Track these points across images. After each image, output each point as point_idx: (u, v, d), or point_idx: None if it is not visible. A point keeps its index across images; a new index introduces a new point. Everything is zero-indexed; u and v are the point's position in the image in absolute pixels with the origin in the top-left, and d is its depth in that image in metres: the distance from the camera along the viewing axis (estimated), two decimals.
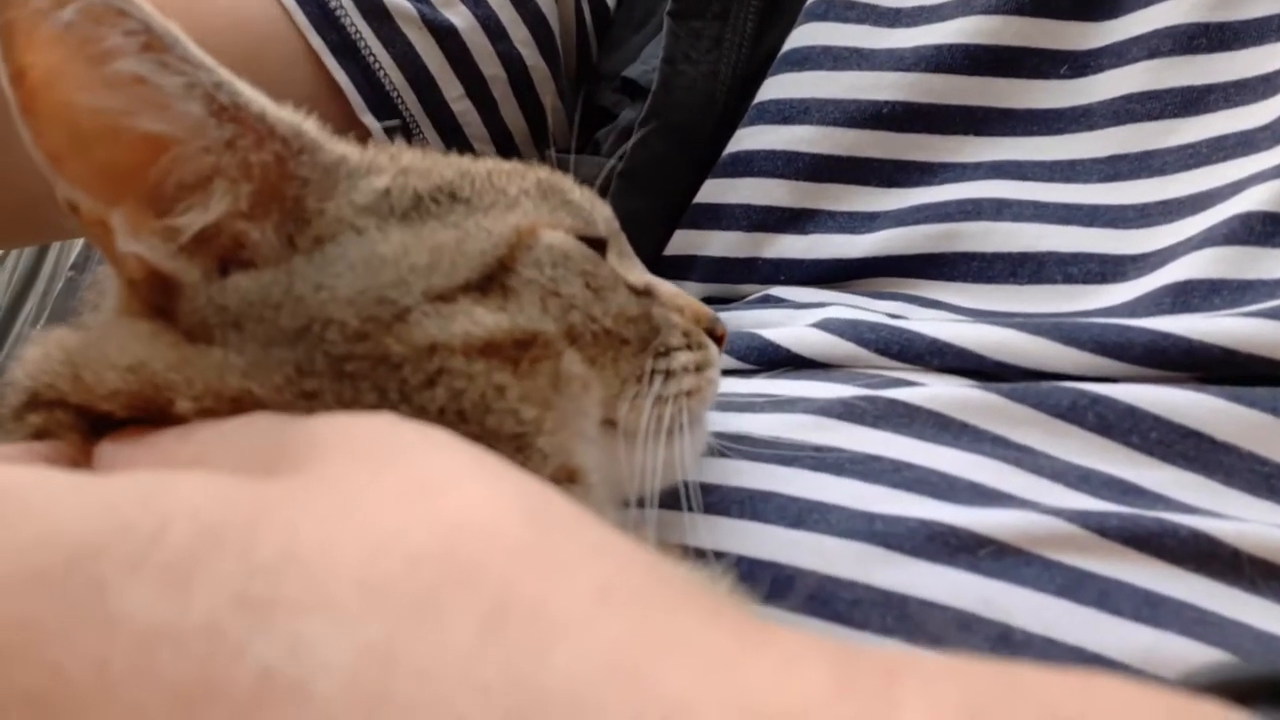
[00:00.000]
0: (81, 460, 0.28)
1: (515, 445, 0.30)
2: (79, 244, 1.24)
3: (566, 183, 0.37)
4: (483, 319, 0.30)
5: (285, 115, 0.31)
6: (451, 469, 0.23)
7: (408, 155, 0.34)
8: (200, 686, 0.19)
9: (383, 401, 0.28)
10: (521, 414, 0.30)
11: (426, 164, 0.34)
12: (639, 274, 0.38)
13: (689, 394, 0.35)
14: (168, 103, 0.29)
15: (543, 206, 0.34)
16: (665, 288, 0.38)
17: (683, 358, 0.35)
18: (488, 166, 0.35)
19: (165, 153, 0.29)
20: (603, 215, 0.37)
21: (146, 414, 0.28)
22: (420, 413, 0.28)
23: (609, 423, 0.33)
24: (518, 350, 0.30)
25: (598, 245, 0.35)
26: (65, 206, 0.29)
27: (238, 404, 0.28)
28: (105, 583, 0.20)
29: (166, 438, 0.27)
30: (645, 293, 0.36)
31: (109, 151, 0.29)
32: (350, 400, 0.28)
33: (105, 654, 0.19)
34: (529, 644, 0.18)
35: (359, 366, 0.28)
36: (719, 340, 0.38)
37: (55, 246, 1.29)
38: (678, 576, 0.21)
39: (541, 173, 0.36)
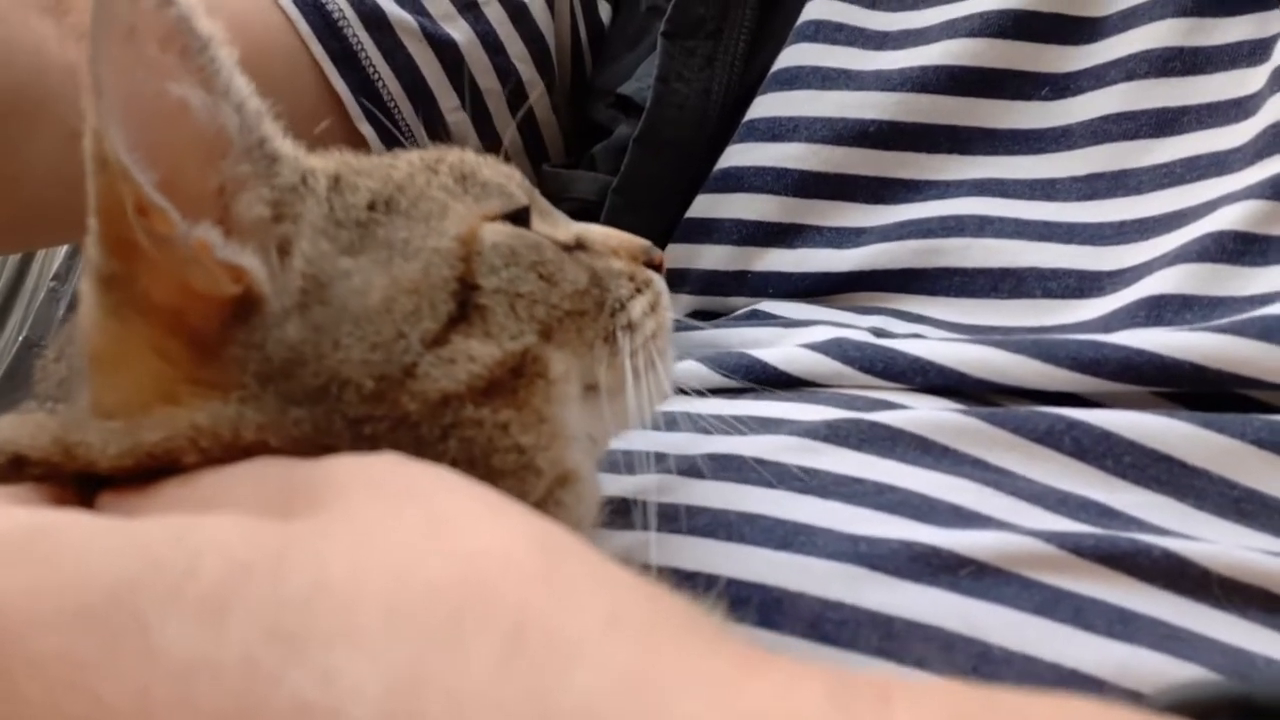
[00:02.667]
0: (81, 505, 0.29)
1: (516, 475, 0.30)
2: (60, 256, 1.24)
3: (473, 160, 0.36)
4: (478, 353, 0.30)
5: (296, 155, 0.31)
6: (463, 505, 0.24)
7: (333, 163, 0.34)
8: (239, 716, 0.20)
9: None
10: (523, 443, 0.30)
11: (353, 176, 0.33)
12: (565, 228, 0.38)
13: (653, 336, 0.35)
14: (241, 100, 0.29)
15: (467, 200, 0.33)
16: (595, 233, 0.38)
17: (638, 306, 0.36)
18: (407, 167, 0.34)
19: (227, 153, 0.29)
20: (517, 181, 0.37)
21: (149, 470, 0.28)
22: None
23: (589, 388, 0.34)
24: (514, 378, 0.31)
25: (522, 216, 0.35)
26: (135, 216, 0.28)
27: (246, 451, 0.28)
28: (144, 617, 0.21)
29: (170, 486, 0.28)
30: (579, 246, 0.37)
31: (185, 150, 0.29)
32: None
33: (146, 684, 0.20)
34: (547, 666, 0.20)
35: (376, 428, 0.29)
36: (659, 267, 0.39)
37: (38, 260, 1.29)
38: (679, 605, 0.23)
39: (450, 157, 0.35)
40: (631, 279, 0.36)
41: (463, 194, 0.34)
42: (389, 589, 0.21)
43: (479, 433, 0.30)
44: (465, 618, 0.20)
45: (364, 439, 0.29)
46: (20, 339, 1.20)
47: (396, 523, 0.23)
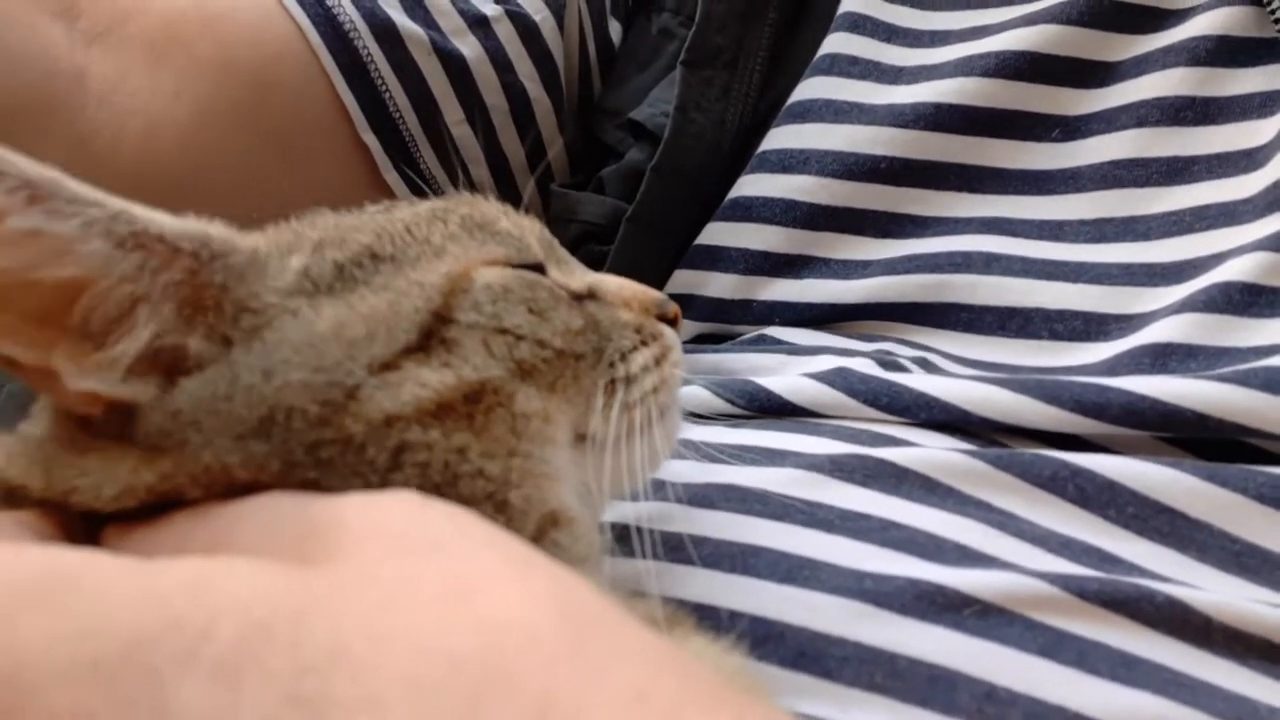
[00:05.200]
0: (87, 532, 0.28)
1: (492, 506, 0.30)
2: None
3: (494, 211, 0.36)
4: (429, 379, 0.30)
5: (189, 228, 0.30)
6: (485, 564, 0.23)
7: (320, 227, 0.34)
8: None
9: (366, 487, 0.28)
10: (487, 471, 0.30)
11: (342, 231, 0.33)
12: (580, 276, 0.38)
13: (654, 391, 0.35)
14: (69, 248, 0.28)
15: (471, 245, 0.34)
16: (609, 284, 0.38)
17: (640, 359, 0.35)
18: (406, 217, 0.34)
19: (82, 293, 0.29)
20: (535, 234, 0.37)
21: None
22: None
23: (581, 438, 0.34)
24: (469, 405, 0.30)
25: (535, 269, 0.35)
26: (2, 363, 0.28)
27: (248, 488, 0.28)
28: (159, 676, 0.20)
29: (181, 519, 0.28)
30: (590, 295, 0.37)
31: (27, 304, 0.28)
32: (342, 487, 0.28)
33: None
34: None
35: (330, 453, 0.29)
36: (674, 321, 0.39)
37: None
38: (706, 678, 0.22)
39: (465, 208, 0.36)
40: (638, 331, 0.36)
41: (468, 240, 0.34)
42: (410, 660, 0.21)
43: (432, 456, 0.29)
44: (486, 695, 0.20)
45: (325, 464, 0.28)
46: None
47: (418, 583, 0.22)
